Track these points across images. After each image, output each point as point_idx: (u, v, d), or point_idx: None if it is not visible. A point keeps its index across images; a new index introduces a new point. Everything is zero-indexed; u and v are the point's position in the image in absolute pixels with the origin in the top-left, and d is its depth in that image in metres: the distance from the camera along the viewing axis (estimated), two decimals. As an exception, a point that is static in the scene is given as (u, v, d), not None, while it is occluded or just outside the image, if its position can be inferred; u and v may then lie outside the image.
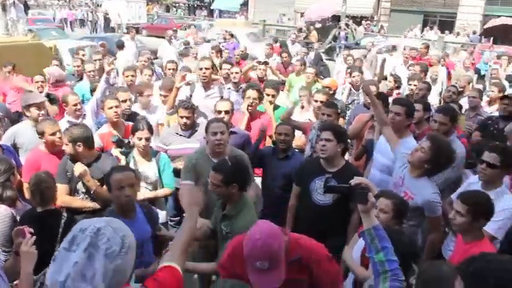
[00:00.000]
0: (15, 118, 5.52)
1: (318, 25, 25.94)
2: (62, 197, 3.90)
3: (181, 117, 4.83)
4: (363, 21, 30.52)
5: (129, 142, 4.33)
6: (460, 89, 8.55)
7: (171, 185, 4.43)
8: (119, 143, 4.34)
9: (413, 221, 3.55)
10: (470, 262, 1.68)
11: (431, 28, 29.44)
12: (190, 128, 4.89)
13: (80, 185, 3.99)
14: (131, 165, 4.23)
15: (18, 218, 3.45)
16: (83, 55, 8.88)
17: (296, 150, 4.92)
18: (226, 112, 4.81)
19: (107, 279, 1.58)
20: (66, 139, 3.97)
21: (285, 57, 9.55)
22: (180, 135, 4.86)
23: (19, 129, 4.83)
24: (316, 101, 5.69)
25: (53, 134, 4.26)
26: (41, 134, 4.27)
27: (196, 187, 2.51)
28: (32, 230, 2.57)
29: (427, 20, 31.71)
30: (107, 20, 31.82)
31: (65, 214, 3.23)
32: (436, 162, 3.51)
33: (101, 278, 1.56)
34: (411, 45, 13.90)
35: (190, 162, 4.06)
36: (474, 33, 27.33)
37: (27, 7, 12.23)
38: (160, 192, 4.38)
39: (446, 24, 29.83)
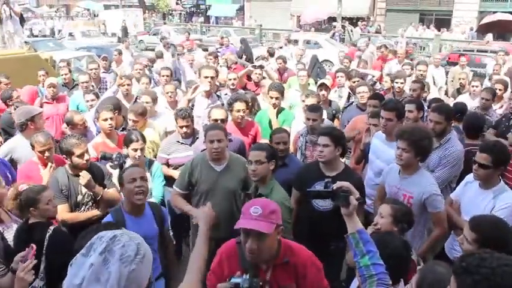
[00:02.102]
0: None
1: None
2: (64, 215, 3.85)
3: (181, 126, 4.82)
4: (359, 22, 30.58)
5: (119, 154, 4.31)
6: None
7: (158, 196, 4.38)
8: (105, 159, 4.35)
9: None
10: (465, 257, 1.67)
11: (428, 26, 29.46)
12: (191, 136, 4.88)
13: (80, 198, 3.96)
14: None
15: (6, 234, 3.35)
16: (68, 65, 8.92)
17: (292, 154, 4.88)
18: (222, 120, 4.77)
19: (122, 284, 1.59)
20: (80, 151, 3.91)
21: (280, 63, 9.50)
22: (182, 143, 4.85)
23: (15, 145, 4.79)
24: (307, 105, 5.59)
25: (42, 152, 4.21)
26: (32, 146, 4.24)
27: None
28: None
29: (423, 18, 31.74)
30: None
31: (51, 228, 3.18)
32: (422, 150, 3.54)
33: (115, 282, 1.58)
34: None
35: (188, 169, 4.06)
36: (471, 29, 27.35)
37: (23, 20, 12.22)
38: None
39: (443, 22, 29.87)
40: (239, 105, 5.16)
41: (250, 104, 5.58)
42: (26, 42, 12.55)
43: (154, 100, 5.69)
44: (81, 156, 3.91)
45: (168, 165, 4.87)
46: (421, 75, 7.85)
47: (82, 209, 4.00)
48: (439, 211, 3.52)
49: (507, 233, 2.62)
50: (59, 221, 3.85)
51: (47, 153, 4.23)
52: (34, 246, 2.62)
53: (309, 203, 3.83)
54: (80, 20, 33.21)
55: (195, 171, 4.02)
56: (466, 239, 2.68)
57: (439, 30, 26.77)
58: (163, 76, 7.40)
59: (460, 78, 8.82)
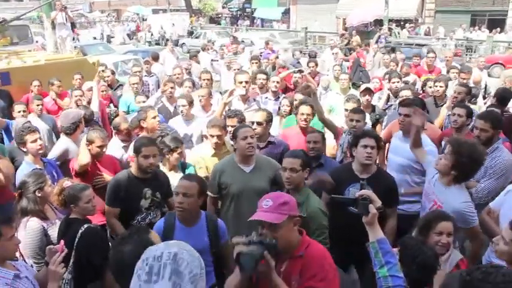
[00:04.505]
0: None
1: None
2: (109, 219, 3.94)
3: (228, 126, 4.90)
4: (407, 24, 29.85)
5: None
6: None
7: None
8: None
9: None
10: (472, 271, 1.62)
11: (480, 28, 28.38)
12: None
13: (143, 202, 3.94)
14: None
15: (50, 230, 3.57)
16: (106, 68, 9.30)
17: (328, 157, 4.87)
18: (259, 123, 4.79)
19: None
20: (147, 153, 3.91)
21: (312, 66, 9.45)
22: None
23: (68, 148, 5.03)
24: (346, 110, 5.61)
25: (101, 147, 4.48)
26: (90, 142, 4.45)
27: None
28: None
29: (475, 19, 30.60)
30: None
31: (84, 226, 3.31)
32: (460, 165, 3.34)
33: None
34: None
35: (216, 173, 4.11)
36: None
37: (73, 25, 12.76)
38: None
39: (496, 23, 28.65)
40: (304, 109, 5.18)
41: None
42: (75, 46, 13.07)
43: (191, 103, 5.78)
44: (147, 157, 3.88)
45: None
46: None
47: (144, 214, 3.95)
48: (472, 227, 3.37)
49: None
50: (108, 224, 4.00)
51: (104, 149, 4.49)
52: (62, 240, 2.73)
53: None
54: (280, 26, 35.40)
55: (223, 174, 4.06)
56: (503, 239, 2.62)
57: (491, 32, 25.75)
58: (203, 80, 7.53)
59: (505, 82, 8.42)
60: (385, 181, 3.84)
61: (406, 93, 6.07)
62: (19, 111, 6.20)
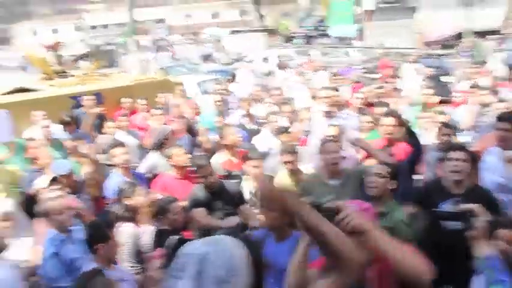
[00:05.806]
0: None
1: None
2: (202, 220, 4.12)
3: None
4: (491, 36, 28.25)
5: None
6: None
7: None
8: (229, 177, 4.63)
9: None
10: None
11: None
12: None
13: (215, 214, 4.19)
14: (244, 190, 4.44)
15: (143, 237, 3.78)
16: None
17: None
18: (334, 136, 4.86)
19: None
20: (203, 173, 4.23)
21: (392, 82, 9.22)
22: None
23: (157, 162, 5.32)
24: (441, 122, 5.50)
25: (179, 155, 4.71)
26: (169, 157, 4.74)
27: None
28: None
29: None
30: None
31: (175, 237, 3.41)
32: None
33: None
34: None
35: (304, 190, 4.07)
36: None
37: (158, 48, 13.50)
38: None
39: None
40: (386, 121, 4.97)
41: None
42: (160, 68, 13.75)
43: None
44: (203, 178, 4.22)
45: None
46: None
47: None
48: None
49: None
50: None
51: (182, 152, 4.71)
52: (160, 248, 2.88)
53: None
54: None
55: (310, 189, 4.07)
56: None
57: None
58: (275, 96, 7.70)
59: None
60: (482, 195, 3.58)
61: (502, 106, 5.89)
62: (109, 128, 6.65)
